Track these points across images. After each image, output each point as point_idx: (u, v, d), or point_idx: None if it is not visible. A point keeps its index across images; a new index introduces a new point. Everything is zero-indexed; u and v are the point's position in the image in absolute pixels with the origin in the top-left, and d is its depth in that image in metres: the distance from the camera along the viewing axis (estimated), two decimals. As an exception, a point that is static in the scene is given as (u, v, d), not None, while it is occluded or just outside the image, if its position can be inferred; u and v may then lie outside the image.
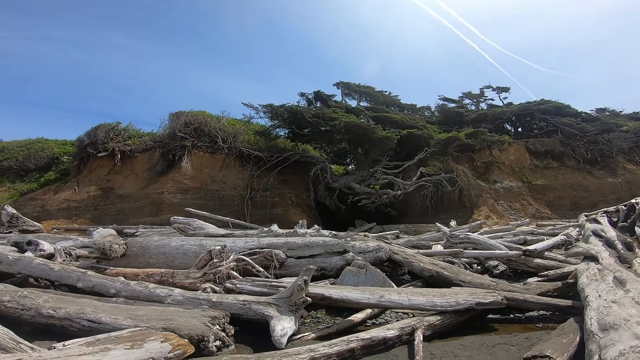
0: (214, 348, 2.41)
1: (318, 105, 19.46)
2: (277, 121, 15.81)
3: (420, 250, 7.03)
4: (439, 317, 3.45)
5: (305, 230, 8.43)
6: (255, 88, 73.55)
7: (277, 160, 14.81)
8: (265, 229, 8.27)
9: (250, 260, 4.82)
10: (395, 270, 6.10)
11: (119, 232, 10.41)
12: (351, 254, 5.61)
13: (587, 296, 2.89)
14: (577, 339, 2.58)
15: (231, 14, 70.16)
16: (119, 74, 59.61)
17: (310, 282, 4.72)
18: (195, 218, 9.52)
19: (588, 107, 35.67)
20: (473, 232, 9.44)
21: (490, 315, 3.98)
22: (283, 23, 75.66)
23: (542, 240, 7.60)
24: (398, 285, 5.29)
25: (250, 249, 5.40)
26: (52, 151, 17.58)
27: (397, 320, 3.64)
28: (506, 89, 26.27)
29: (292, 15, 74.80)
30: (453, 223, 12.63)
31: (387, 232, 11.18)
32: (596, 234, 3.88)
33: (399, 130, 16.97)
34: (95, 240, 6.45)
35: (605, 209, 4.32)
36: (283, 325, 2.90)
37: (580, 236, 4.97)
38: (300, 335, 3.29)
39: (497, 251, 6.31)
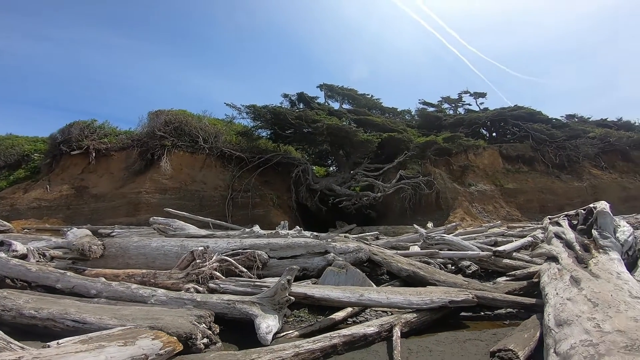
0: (202, 345, 2.49)
1: (301, 107, 19.59)
2: (259, 122, 15.79)
3: (399, 251, 7.29)
4: (415, 315, 3.65)
5: (287, 231, 8.52)
6: (239, 88, 72.69)
7: (259, 161, 14.80)
8: (247, 229, 8.30)
9: (233, 261, 4.88)
10: (374, 271, 6.28)
11: (93, 232, 10.10)
12: (332, 254, 5.76)
13: (546, 294, 3.15)
14: (538, 334, 2.81)
15: (217, 13, 69.09)
16: (99, 71, 57.32)
17: (293, 282, 4.86)
18: (175, 219, 9.40)
19: (559, 113, 37.63)
20: (448, 234, 9.83)
21: (463, 313, 4.20)
22: (268, 23, 75.19)
23: (511, 241, 8.06)
24: (377, 284, 5.49)
25: (232, 250, 5.45)
26: (23, 148, 16.79)
27: (377, 318, 3.82)
28: (483, 95, 27.37)
29: (278, 15, 74.52)
30: (430, 225, 13.07)
31: (367, 234, 11.44)
32: (557, 236, 4.21)
33: (380, 134, 17.35)
34: (71, 241, 6.30)
35: (566, 213, 4.66)
36: (268, 323, 3.01)
37: (545, 238, 5.36)
38: (284, 333, 3.40)
39: (469, 252, 6.65)
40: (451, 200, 15.45)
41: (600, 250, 3.50)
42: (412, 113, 27.75)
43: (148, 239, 6.40)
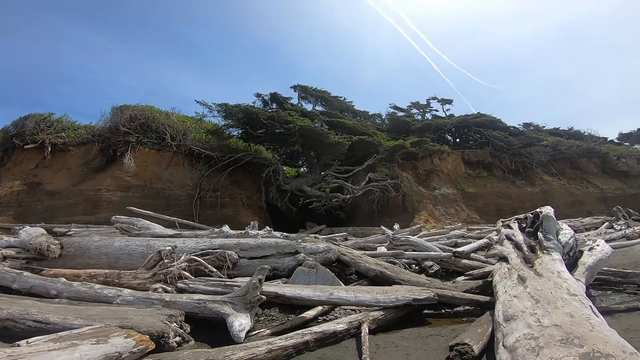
0: (175, 344, 2.50)
1: (274, 107, 19.53)
2: (230, 121, 15.55)
3: (366, 252, 7.53)
4: (382, 312, 3.83)
5: (257, 231, 8.51)
6: (216, 87, 70.75)
7: (228, 161, 14.58)
8: (216, 229, 8.19)
9: (202, 261, 4.84)
10: (343, 270, 6.45)
11: (48, 231, 9.38)
12: (302, 254, 5.87)
13: (497, 292, 3.44)
14: (490, 329, 3.04)
15: (194, 9, 66.69)
16: (60, 64, 53.10)
17: (264, 281, 4.91)
18: (139, 218, 9.06)
19: (517, 120, 40.44)
20: (413, 235, 10.28)
21: (425, 311, 4.44)
22: (248, 23, 73.92)
23: (470, 243, 8.61)
24: (346, 284, 5.66)
25: (201, 250, 5.41)
26: (-33, 140, 15.30)
27: (346, 316, 3.97)
28: (449, 101, 28.73)
29: (257, 16, 73.44)
30: (396, 226, 13.56)
31: (336, 234, 11.66)
32: (508, 238, 4.59)
33: (350, 136, 17.70)
34: (24, 240, 5.93)
35: (517, 216, 5.09)
36: (240, 322, 3.07)
37: (498, 240, 5.81)
38: (256, 332, 3.44)
39: (432, 253, 7.03)
40: (416, 203, 16.10)
41: (545, 251, 3.87)
42: (383, 117, 28.60)
43: (110, 238, 6.16)
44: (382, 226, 11.99)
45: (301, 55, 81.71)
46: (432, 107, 28.87)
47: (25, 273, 3.89)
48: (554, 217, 4.33)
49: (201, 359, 2.24)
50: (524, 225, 4.91)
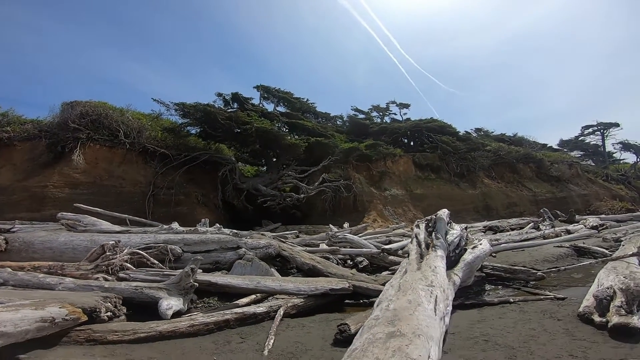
0: (106, 317, 3.02)
1: (235, 107, 19.75)
2: (188, 120, 15.65)
3: (308, 248, 8.28)
4: (302, 300, 4.45)
5: (207, 228, 8.96)
6: (179, 84, 68.31)
7: (185, 159, 14.72)
8: (165, 226, 8.54)
9: (144, 254, 5.30)
10: (285, 265, 7.08)
11: (-12, 228, 9.23)
12: (243, 249, 6.48)
13: (391, 281, 4.28)
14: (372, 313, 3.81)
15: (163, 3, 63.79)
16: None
17: (205, 272, 5.47)
18: (87, 214, 9.13)
19: (472, 125, 43.62)
20: (356, 234, 11.22)
21: (347, 300, 4.97)
22: (214, 16, 72.14)
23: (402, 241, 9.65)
24: (286, 276, 6.35)
25: (146, 244, 5.84)
26: None
27: (269, 302, 4.61)
28: (407, 106, 30.43)
29: (226, 10, 71.86)
30: (346, 225, 14.48)
31: (288, 232, 12.34)
32: (415, 236, 5.52)
33: (308, 138, 18.45)
34: (-37, 237, 5.99)
35: (427, 217, 5.98)
36: (169, 302, 3.64)
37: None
38: (190, 315, 3.97)
39: (364, 249, 7.92)
40: (367, 203, 17.19)
41: (433, 249, 4.74)
42: (344, 118, 29.71)
43: (55, 233, 6.38)
44: (330, 225, 12.82)
45: (270, 54, 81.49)
46: (391, 111, 30.48)
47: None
48: (444, 219, 5.25)
49: (128, 328, 2.81)
50: (430, 225, 5.87)
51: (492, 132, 37.29)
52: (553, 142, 43.81)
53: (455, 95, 79.58)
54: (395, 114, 30.09)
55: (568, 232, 12.77)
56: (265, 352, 2.58)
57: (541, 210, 17.02)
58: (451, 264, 4.81)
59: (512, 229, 15.54)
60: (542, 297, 4.71)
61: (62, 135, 13.30)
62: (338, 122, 28.97)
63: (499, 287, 5.90)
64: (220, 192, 15.26)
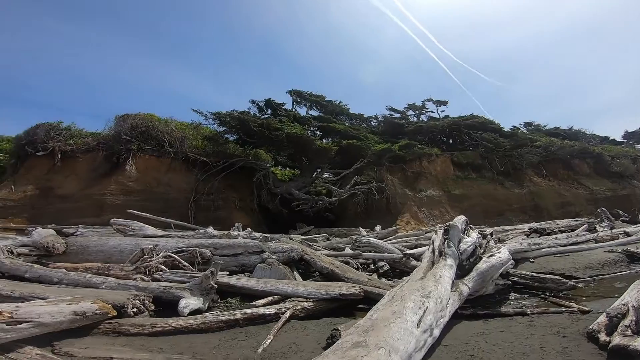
0: (132, 313, 3.50)
1: (269, 113, 20.59)
2: (225, 128, 16.65)
3: (332, 252, 8.49)
4: (312, 303, 4.57)
5: (239, 232, 9.55)
6: (216, 88, 72.49)
7: (223, 166, 15.68)
8: (202, 230, 9.26)
9: (177, 257, 5.88)
10: (308, 269, 7.40)
11: (57, 231, 10.62)
12: (267, 253, 6.86)
13: (391, 289, 4.30)
14: None
15: (194, 10, 68.46)
16: (67, 65, 55.49)
17: (232, 274, 5.92)
18: (137, 219, 10.20)
19: (521, 119, 40.60)
20: (385, 237, 11.21)
21: (361, 305, 4.93)
22: (251, 26, 75.46)
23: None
24: (306, 279, 6.64)
25: (179, 248, 6.45)
26: (-14, 148, 16.82)
27: (280, 304, 4.83)
28: (444, 103, 29.17)
29: (260, 18, 74.86)
30: (378, 228, 14.42)
31: (318, 235, 12.65)
32: (432, 242, 5.48)
33: (340, 141, 18.66)
34: (36, 240, 7.07)
35: (448, 224, 5.84)
36: (187, 301, 4.08)
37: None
38: (209, 313, 4.43)
39: (386, 254, 7.94)
40: (400, 205, 16.95)
41: (443, 257, 4.71)
42: (379, 119, 29.37)
43: (107, 238, 7.27)
44: (360, 228, 12.90)
45: (303, 55, 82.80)
46: (427, 109, 29.51)
47: (35, 266, 4.99)
48: (458, 226, 5.08)
49: (148, 322, 3.25)
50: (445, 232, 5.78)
51: (545, 125, 34.56)
52: (617, 135, 39.29)
53: (502, 88, 74.75)
54: (432, 112, 29.11)
55: (627, 234, 11.56)
56: (259, 350, 2.86)
57: (598, 210, 15.51)
58: (464, 272, 4.74)
59: (562, 231, 14.37)
60: (563, 309, 4.48)
61: (117, 146, 14.89)
62: (373, 123, 28.72)
63: (525, 296, 5.61)
64: (256, 196, 16.01)
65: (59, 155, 15.33)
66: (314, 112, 23.70)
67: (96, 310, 3.01)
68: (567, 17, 72.32)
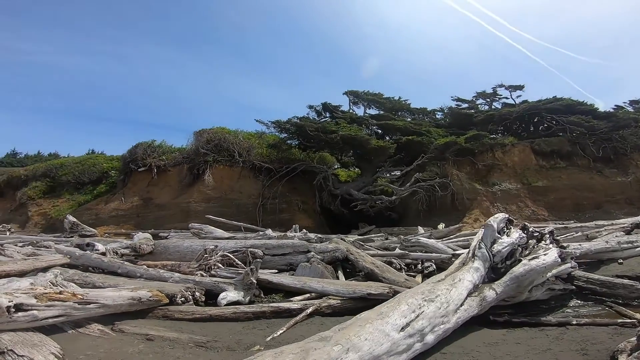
0: (180, 302, 4.29)
1: (327, 116, 21.20)
2: (285, 135, 17.80)
3: (378, 252, 8.59)
4: (339, 301, 4.82)
5: (295, 234, 10.27)
6: (285, 91, 77.09)
7: (286, 171, 16.79)
8: (261, 233, 10.22)
9: (232, 256, 6.75)
10: (354, 268, 7.66)
11: (154, 235, 12.89)
12: (312, 252, 7.36)
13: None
14: None
15: (258, 21, 74.30)
16: (157, 84, 65.79)
17: (280, 272, 6.57)
18: (214, 224, 11.74)
19: (628, 97, 33.90)
20: (446, 236, 10.76)
21: None
22: (308, 26, 78.47)
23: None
24: (350, 278, 6.94)
25: (235, 249, 7.34)
26: (102, 166, 20.93)
27: (308, 300, 5.09)
28: (520, 87, 26.04)
29: (316, 18, 77.26)
30: (441, 226, 13.81)
31: (375, 235, 12.71)
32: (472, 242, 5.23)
33: (399, 138, 18.29)
34: (134, 242, 8.77)
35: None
36: (226, 294, 4.76)
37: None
38: (243, 306, 4.87)
39: (433, 254, 7.74)
40: (468, 201, 15.86)
41: (473, 258, 4.55)
42: (445, 111, 27.63)
43: (182, 240, 8.63)
44: (418, 226, 12.57)
45: (364, 53, 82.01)
46: (500, 95, 26.72)
47: (125, 263, 6.32)
48: (494, 225, 4.67)
49: (190, 310, 3.99)
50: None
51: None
52: None
53: (599, 66, 62.67)
54: (507, 99, 26.24)
55: None
56: (268, 339, 3.30)
57: None
58: (499, 276, 4.49)
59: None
60: (619, 320, 3.96)
61: (197, 159, 17.14)
62: (439, 115, 27.16)
63: (590, 303, 5.04)
64: (317, 198, 16.73)
65: (155, 170, 18.28)
66: (373, 111, 23.52)
67: (150, 297, 3.83)
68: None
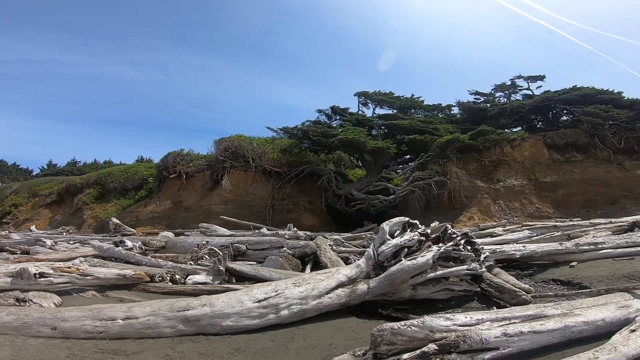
0: (158, 280, 6.02)
1: (337, 118, 22.38)
2: (293, 140, 19.42)
3: (341, 248, 9.81)
4: None
5: (286, 231, 11.80)
6: (312, 90, 79.69)
7: (294, 174, 18.40)
8: (256, 231, 11.90)
9: (216, 249, 8.43)
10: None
11: (179, 233, 15.14)
12: (285, 248, 8.83)
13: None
14: None
15: (285, 19, 78.17)
16: (194, 90, 72.38)
17: (257, 264, 8.14)
18: (225, 224, 13.68)
19: None
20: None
21: None
22: (334, 24, 79.91)
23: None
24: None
25: (223, 244, 9.04)
26: (142, 174, 24.08)
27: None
28: (540, 78, 25.00)
29: (343, 14, 78.36)
30: (434, 224, 14.53)
31: (363, 232, 13.83)
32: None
33: (402, 137, 19.08)
34: (143, 239, 10.87)
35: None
36: (192, 276, 6.40)
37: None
38: (202, 285, 6.64)
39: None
40: (466, 199, 16.26)
41: (360, 257, 5.53)
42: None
43: (187, 237, 10.57)
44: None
45: (392, 49, 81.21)
46: (521, 87, 25.95)
47: (137, 254, 8.31)
48: (385, 228, 5.28)
49: (162, 286, 5.69)
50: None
51: None
52: None
53: None
54: (528, 90, 25.46)
55: None
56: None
57: None
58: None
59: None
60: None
61: (217, 166, 19.33)
62: (454, 110, 27.03)
63: (485, 306, 5.18)
64: (323, 198, 18.14)
65: (184, 176, 20.83)
66: (383, 111, 24.06)
67: (133, 275, 5.59)
68: None
